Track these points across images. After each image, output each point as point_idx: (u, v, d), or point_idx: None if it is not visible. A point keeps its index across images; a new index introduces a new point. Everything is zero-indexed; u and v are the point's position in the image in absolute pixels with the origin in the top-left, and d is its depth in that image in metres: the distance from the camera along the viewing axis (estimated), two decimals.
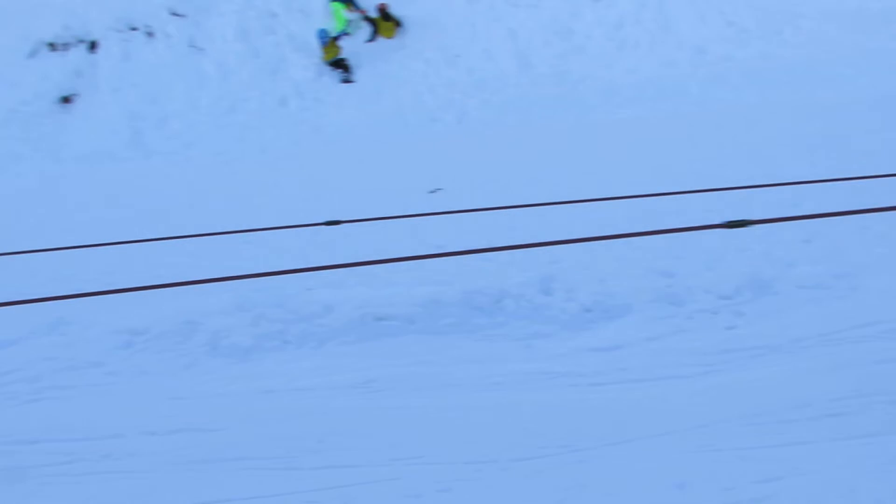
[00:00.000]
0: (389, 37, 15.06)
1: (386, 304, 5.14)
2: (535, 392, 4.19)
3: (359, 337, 4.92)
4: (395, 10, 15.04)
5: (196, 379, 4.65)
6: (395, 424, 4.00)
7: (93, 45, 15.49)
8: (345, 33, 15.89)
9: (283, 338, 4.99)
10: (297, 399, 4.32)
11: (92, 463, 3.85)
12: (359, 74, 15.56)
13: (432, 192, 9.45)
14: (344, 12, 15.88)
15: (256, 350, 4.89)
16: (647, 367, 4.27)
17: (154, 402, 4.43)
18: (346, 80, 15.19)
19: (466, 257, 5.78)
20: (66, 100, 14.43)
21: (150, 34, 15.90)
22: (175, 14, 16.41)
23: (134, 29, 15.94)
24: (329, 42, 15.04)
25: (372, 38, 15.29)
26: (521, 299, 5.10)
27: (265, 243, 6.89)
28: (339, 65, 15.22)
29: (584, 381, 4.21)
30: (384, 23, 14.94)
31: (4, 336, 5.26)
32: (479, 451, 3.63)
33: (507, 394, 4.19)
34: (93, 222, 8.74)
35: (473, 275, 5.52)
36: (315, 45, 15.45)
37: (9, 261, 5.76)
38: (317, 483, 3.53)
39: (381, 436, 3.88)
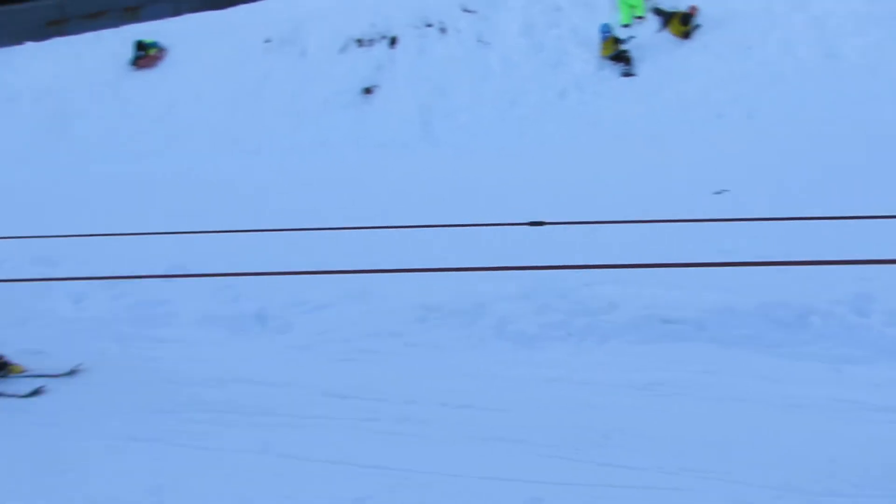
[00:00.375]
0: (677, 35, 14.43)
1: (674, 307, 4.97)
2: (847, 424, 3.79)
3: (644, 337, 4.82)
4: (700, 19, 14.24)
5: (483, 359, 4.88)
6: (681, 432, 3.87)
7: (393, 41, 16.90)
8: (627, 25, 15.62)
9: (566, 329, 5.05)
10: (580, 391, 4.35)
11: (391, 423, 4.22)
12: (640, 68, 15.17)
13: (717, 193, 8.93)
14: (630, 4, 15.59)
15: (541, 338, 5.01)
16: None
17: (445, 375, 4.72)
18: (627, 74, 14.89)
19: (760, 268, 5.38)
20: (367, 91, 15.88)
21: (443, 30, 16.96)
22: (466, 10, 17.31)
23: (429, 25, 17.09)
24: (610, 37, 14.85)
25: (660, 30, 14.80)
26: (831, 317, 4.63)
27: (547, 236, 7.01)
28: (620, 58, 14.96)
29: None
30: (680, 26, 14.28)
31: (320, 300, 5.94)
32: (780, 477, 3.37)
33: (812, 419, 3.85)
34: (387, 204, 9.56)
35: (772, 285, 5.11)
36: (597, 38, 15.37)
37: (323, 235, 6.52)
38: (599, 478, 3.53)
39: (667, 441, 3.77)
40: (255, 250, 6.95)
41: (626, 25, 15.74)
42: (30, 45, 19.84)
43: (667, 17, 14.57)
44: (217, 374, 4.92)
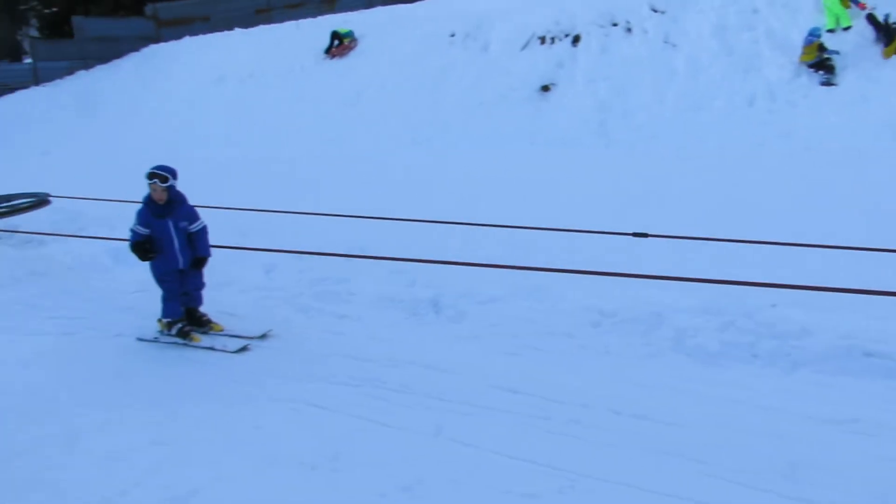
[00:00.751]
0: (888, 57, 13.06)
1: (878, 339, 4.56)
2: None
3: (841, 369, 4.47)
4: None
5: (659, 371, 4.73)
6: (880, 474, 3.55)
7: (576, 39, 16.74)
8: (832, 31, 14.47)
9: (752, 351, 4.78)
10: (765, 417, 4.11)
11: (561, 424, 4.19)
12: (843, 77, 14.05)
13: None
14: (840, 7, 14.45)
15: (723, 356, 4.78)
16: None
17: (617, 383, 4.63)
18: (828, 83, 13.82)
19: None
20: (545, 88, 15.85)
21: (628, 30, 16.57)
22: (655, 10, 16.80)
23: (615, 24, 16.77)
24: (816, 42, 13.83)
25: (876, 42, 13.61)
26: None
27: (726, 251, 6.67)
28: (822, 65, 13.91)
29: None
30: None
31: (492, 293, 6.02)
32: None
33: None
34: (555, 203, 9.52)
35: None
36: (797, 42, 14.38)
37: (493, 230, 6.57)
38: None
39: (863, 483, 3.47)
40: (427, 238, 7.21)
41: (830, 31, 14.65)
42: (238, 31, 21.66)
43: (888, 34, 13.23)
44: (394, 354, 5.10)
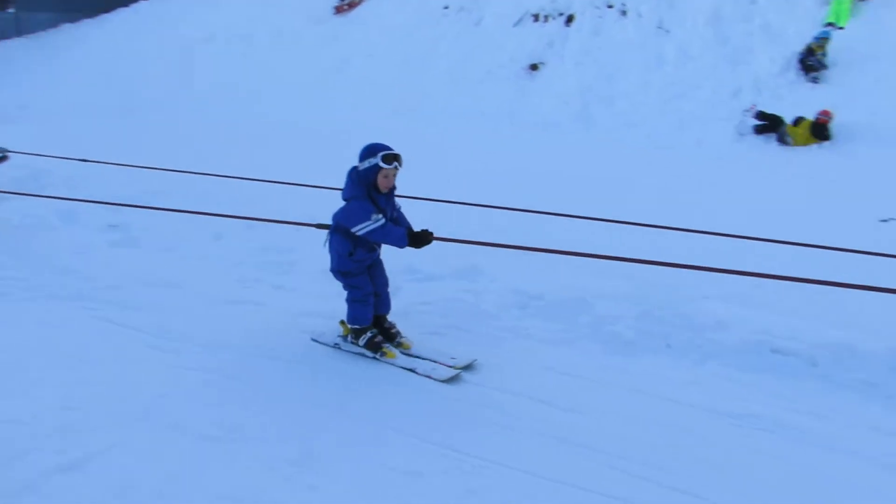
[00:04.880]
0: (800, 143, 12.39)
1: (788, 337, 4.59)
2: None
3: (749, 365, 4.50)
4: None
5: (571, 357, 4.76)
6: (767, 473, 3.59)
7: (570, 19, 16.58)
8: (831, 25, 14.34)
9: (666, 341, 4.81)
10: (667, 409, 4.14)
11: (465, 405, 4.23)
12: (832, 73, 13.94)
13: (884, 221, 8.10)
14: (846, 7, 14.30)
15: (637, 346, 4.81)
16: None
17: (529, 366, 4.66)
18: (816, 80, 13.73)
19: None
20: (534, 67, 15.74)
21: (623, 12, 16.39)
22: None
23: (610, 6, 16.59)
24: (823, 39, 13.68)
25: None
26: None
27: (657, 242, 6.69)
28: (814, 62, 13.80)
29: None
30: (810, 136, 12.17)
31: (430, 271, 6.04)
32: None
33: None
34: (527, 184, 9.50)
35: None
36: (792, 37, 14.27)
37: (447, 207, 6.57)
38: (659, 501, 3.36)
39: (747, 479, 3.52)
40: None
41: (829, 24, 14.53)
42: None
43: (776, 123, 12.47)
44: (317, 327, 5.13)
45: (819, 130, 12.03)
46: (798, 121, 12.32)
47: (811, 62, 13.67)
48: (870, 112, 12.57)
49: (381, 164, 4.30)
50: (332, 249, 4.67)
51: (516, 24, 17.14)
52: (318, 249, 6.52)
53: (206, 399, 4.21)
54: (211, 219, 6.62)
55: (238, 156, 10.67)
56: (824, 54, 13.63)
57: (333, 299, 5.72)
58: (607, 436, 3.90)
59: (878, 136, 11.93)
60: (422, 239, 4.38)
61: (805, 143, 12.09)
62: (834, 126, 12.10)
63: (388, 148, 4.35)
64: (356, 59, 17.31)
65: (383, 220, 4.38)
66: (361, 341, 4.75)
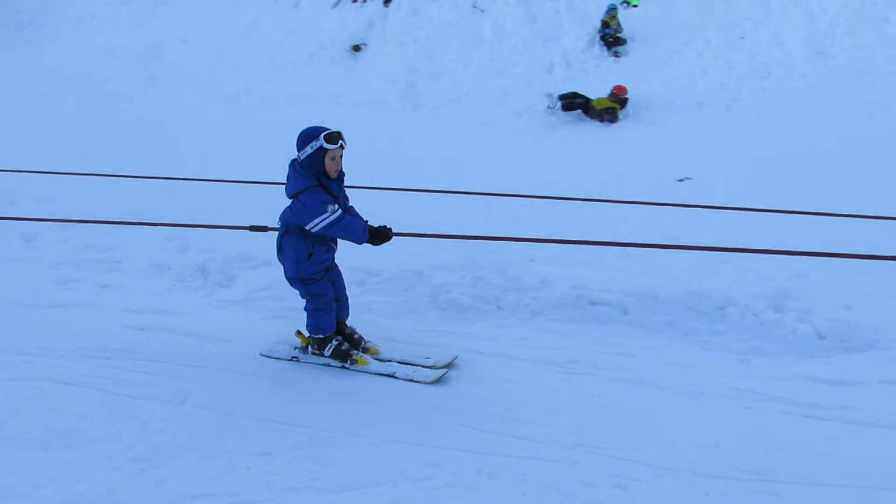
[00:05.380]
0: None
1: (603, 289, 5.09)
2: (741, 411, 3.95)
3: (569, 317, 4.95)
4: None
5: (414, 326, 5.00)
6: (585, 410, 4.00)
7: (387, 0, 16.76)
8: (626, 2, 15.55)
9: (497, 303, 5.17)
10: (498, 364, 4.47)
11: (310, 382, 4.34)
12: (631, 48, 15.15)
13: (681, 180, 9.05)
14: None
15: (472, 310, 5.12)
16: (876, 411, 3.81)
17: (373, 339, 4.83)
18: (617, 54, 14.88)
19: (700, 256, 5.52)
20: (356, 48, 15.79)
21: None
22: None
23: None
24: (613, 10, 14.78)
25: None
26: (748, 311, 4.76)
27: (493, 208, 7.13)
28: (613, 37, 14.92)
29: (797, 411, 3.88)
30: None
31: (267, 257, 6.01)
32: (665, 457, 3.52)
33: (710, 406, 3.99)
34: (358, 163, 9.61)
35: (702, 275, 5.26)
36: (594, 15, 15.30)
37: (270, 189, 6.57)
38: (498, 448, 3.66)
39: (569, 418, 3.90)
40: (207, 202, 7.08)
41: (624, 2, 15.67)
42: None
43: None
44: (151, 323, 5.01)
45: (615, 104, 12.91)
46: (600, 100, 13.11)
47: (608, 35, 14.77)
48: (665, 83, 13.82)
49: (326, 144, 3.96)
50: (285, 256, 4.25)
51: (335, 5, 17.07)
52: (144, 245, 6.35)
53: (40, 408, 4.01)
54: (15, 221, 6.20)
55: (38, 147, 9.92)
56: (618, 25, 14.78)
57: (167, 295, 5.60)
58: (450, 396, 4.16)
59: (672, 105, 13.17)
60: (382, 235, 4.17)
61: (605, 115, 12.93)
62: (633, 97, 13.16)
63: (325, 128, 4.02)
64: (170, 44, 16.47)
65: (340, 212, 4.06)
66: (327, 351, 4.44)
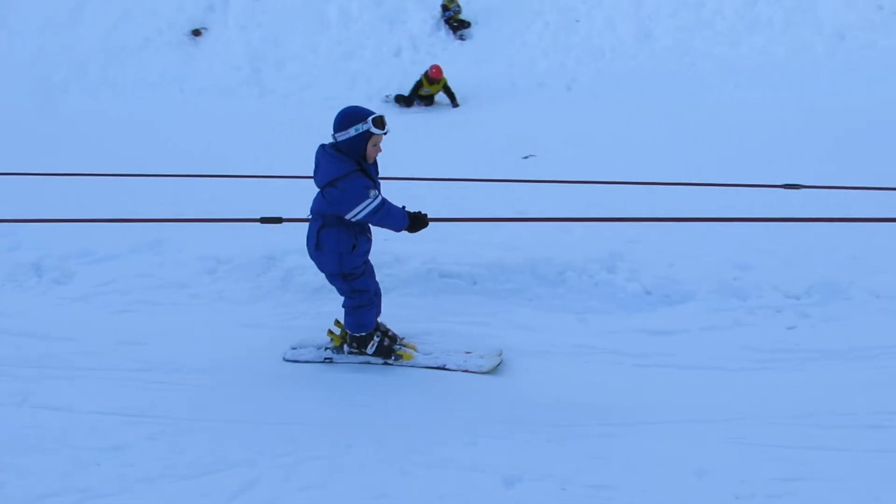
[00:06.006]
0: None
1: (453, 262, 5.29)
2: (580, 365, 4.27)
3: (422, 291, 5.12)
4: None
5: (266, 310, 4.98)
6: (437, 376, 4.18)
7: None
8: None
9: None
10: None
11: (163, 374, 4.25)
12: (476, 31, 15.56)
13: (525, 157, 9.47)
14: None
15: (324, 290, 5.16)
16: (695, 355, 4.25)
17: (224, 326, 4.78)
18: (462, 37, 15.23)
19: (544, 227, 5.86)
20: (196, 33, 15.17)
21: None
22: None
23: None
24: None
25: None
26: (584, 274, 5.12)
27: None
28: (456, 20, 15.25)
29: (629, 360, 4.26)
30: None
31: (109, 251, 5.78)
32: (513, 412, 3.76)
33: (552, 363, 4.29)
34: (200, 152, 9.34)
35: (545, 244, 5.57)
36: None
37: (116, 182, 6.32)
38: (355, 419, 3.76)
39: (421, 385, 4.07)
40: (42, 195, 6.65)
41: None
42: None
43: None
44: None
45: (434, 86, 13.05)
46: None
47: (451, 18, 15.10)
48: (509, 65, 14.33)
49: (374, 129, 3.65)
50: (325, 251, 3.93)
51: None
52: None
53: None
54: None
55: None
56: (458, 7, 15.14)
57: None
58: (302, 375, 4.23)
59: (516, 86, 13.69)
60: (420, 221, 3.91)
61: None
62: (479, 79, 13.54)
63: (370, 111, 3.74)
64: None
65: (381, 197, 3.77)
66: (370, 349, 4.21)
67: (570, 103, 12.77)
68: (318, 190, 3.84)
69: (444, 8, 15.17)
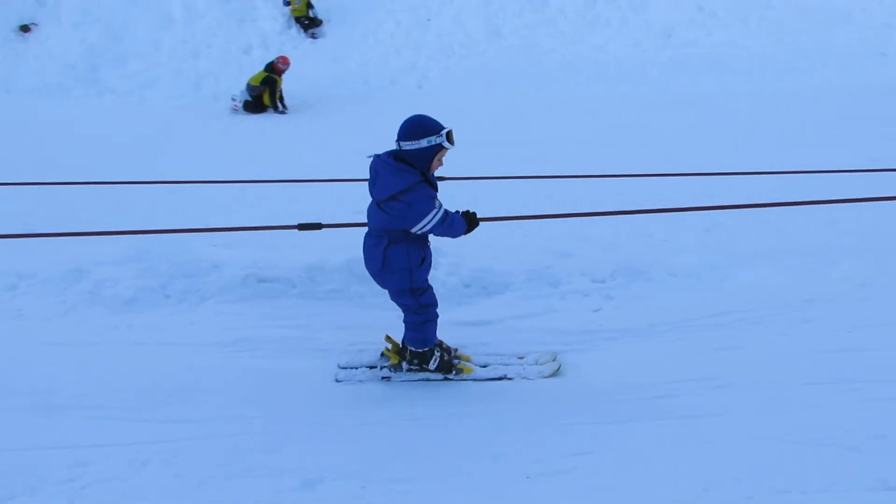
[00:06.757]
0: None
1: (271, 267, 5.20)
2: None
3: (239, 297, 5.00)
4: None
5: (72, 326, 4.72)
6: (252, 384, 4.10)
7: None
8: None
9: (164, 292, 5.05)
10: (163, 354, 4.39)
11: None
12: (328, 29, 15.40)
13: (369, 157, 9.44)
14: None
15: (136, 302, 4.95)
16: (505, 343, 4.38)
17: (27, 344, 4.49)
18: (314, 36, 15.02)
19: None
20: (24, 28, 14.19)
21: None
22: None
23: None
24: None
25: None
26: None
27: (198, 196, 6.95)
28: (308, 18, 15.04)
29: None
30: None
31: None
32: (326, 413, 3.75)
33: None
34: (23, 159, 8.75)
35: (358, 244, 5.57)
36: None
37: None
38: (155, 436, 3.61)
39: (231, 394, 3.97)
40: None
41: None
42: None
43: None
44: None
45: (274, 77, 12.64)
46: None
47: (302, 18, 14.95)
48: (362, 63, 14.31)
49: (447, 143, 3.51)
50: (392, 269, 3.70)
51: None
52: None
53: None
54: None
55: None
56: (313, 11, 15.02)
57: None
58: (103, 393, 3.99)
59: (369, 84, 13.68)
60: (473, 222, 3.77)
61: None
62: (331, 78, 13.43)
63: (440, 123, 3.56)
64: None
65: (443, 206, 3.60)
66: (432, 364, 4.00)
67: (421, 100, 12.86)
68: (372, 202, 3.68)
69: (287, 3, 15.06)
